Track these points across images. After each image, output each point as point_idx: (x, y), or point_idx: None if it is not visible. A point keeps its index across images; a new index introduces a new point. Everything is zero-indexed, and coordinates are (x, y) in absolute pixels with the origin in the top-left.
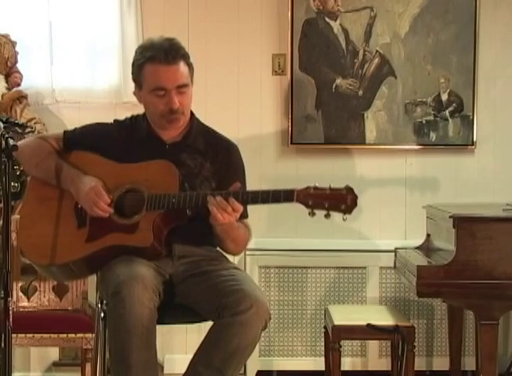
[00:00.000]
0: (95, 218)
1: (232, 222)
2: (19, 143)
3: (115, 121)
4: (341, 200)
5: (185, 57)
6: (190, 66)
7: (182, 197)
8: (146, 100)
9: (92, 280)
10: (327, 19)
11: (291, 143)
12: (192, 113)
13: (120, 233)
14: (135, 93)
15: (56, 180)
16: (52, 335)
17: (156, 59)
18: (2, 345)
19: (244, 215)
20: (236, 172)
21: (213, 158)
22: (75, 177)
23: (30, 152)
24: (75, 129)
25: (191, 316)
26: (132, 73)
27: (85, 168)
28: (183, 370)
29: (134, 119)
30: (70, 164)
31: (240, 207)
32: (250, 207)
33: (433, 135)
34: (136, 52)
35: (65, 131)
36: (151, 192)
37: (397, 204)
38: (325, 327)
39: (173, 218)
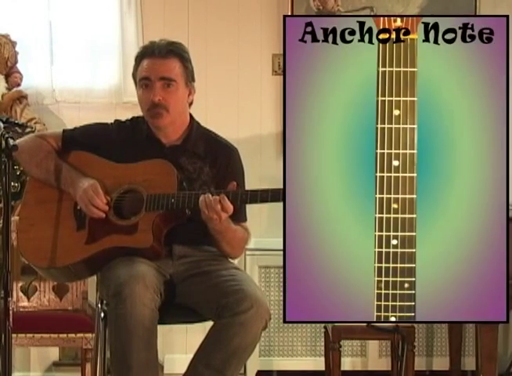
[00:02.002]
0: (95, 219)
1: (219, 220)
2: (17, 142)
3: (116, 121)
4: None
5: (180, 57)
6: (186, 67)
7: (181, 197)
8: (137, 96)
9: (92, 279)
10: None
11: None
12: (191, 117)
13: (119, 234)
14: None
15: (56, 181)
16: (52, 335)
17: (147, 53)
18: (2, 344)
19: (242, 219)
20: (234, 176)
21: (212, 162)
22: (75, 178)
23: (30, 152)
24: (75, 129)
25: (191, 316)
26: (132, 70)
27: (84, 169)
28: (183, 370)
29: (134, 120)
30: (69, 165)
31: (230, 207)
32: (250, 207)
33: None
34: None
35: (64, 131)
36: (150, 192)
37: None
38: (325, 327)
39: (172, 218)
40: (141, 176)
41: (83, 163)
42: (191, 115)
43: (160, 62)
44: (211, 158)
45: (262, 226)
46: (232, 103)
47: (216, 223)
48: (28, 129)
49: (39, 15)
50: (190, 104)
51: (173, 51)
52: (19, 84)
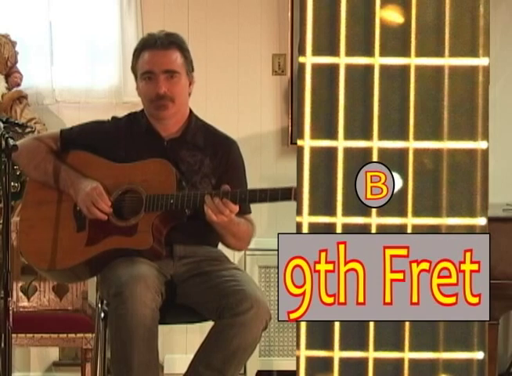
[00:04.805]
0: (95, 220)
1: (226, 221)
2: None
3: (113, 117)
4: None
5: (180, 47)
6: (186, 58)
7: (180, 197)
8: (139, 89)
9: (92, 279)
10: None
11: (291, 143)
12: (190, 111)
13: (119, 235)
14: (136, 87)
15: (55, 182)
16: (52, 335)
17: (147, 46)
18: (2, 345)
19: (247, 211)
20: (235, 168)
21: (212, 155)
22: (75, 179)
23: (28, 155)
24: (72, 128)
25: (192, 316)
26: (131, 63)
27: (83, 169)
28: (183, 370)
29: (132, 115)
30: (67, 166)
31: (236, 208)
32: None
33: None
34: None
35: (62, 131)
36: (149, 192)
37: None
38: None
39: (172, 218)
40: (140, 176)
41: (82, 163)
42: (190, 108)
43: (162, 53)
44: (212, 150)
45: (262, 226)
46: (232, 102)
47: (221, 223)
48: (28, 129)
49: (39, 15)
50: (189, 95)
51: (173, 42)
52: (19, 84)
